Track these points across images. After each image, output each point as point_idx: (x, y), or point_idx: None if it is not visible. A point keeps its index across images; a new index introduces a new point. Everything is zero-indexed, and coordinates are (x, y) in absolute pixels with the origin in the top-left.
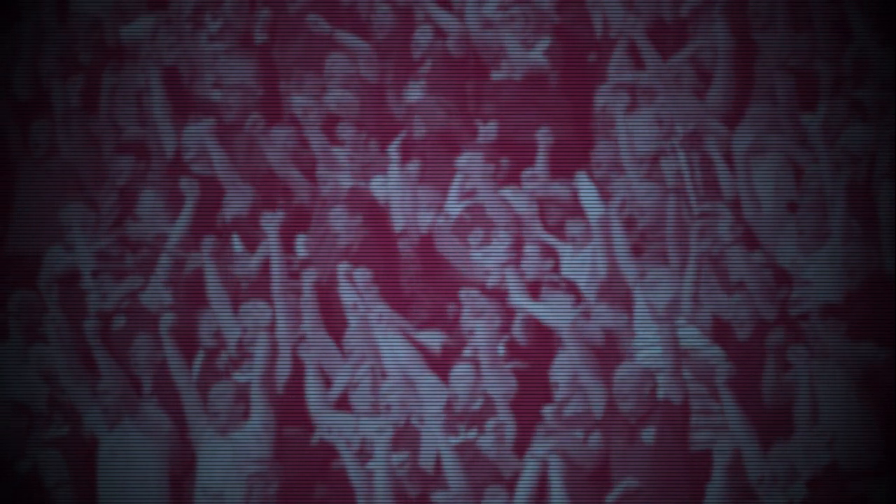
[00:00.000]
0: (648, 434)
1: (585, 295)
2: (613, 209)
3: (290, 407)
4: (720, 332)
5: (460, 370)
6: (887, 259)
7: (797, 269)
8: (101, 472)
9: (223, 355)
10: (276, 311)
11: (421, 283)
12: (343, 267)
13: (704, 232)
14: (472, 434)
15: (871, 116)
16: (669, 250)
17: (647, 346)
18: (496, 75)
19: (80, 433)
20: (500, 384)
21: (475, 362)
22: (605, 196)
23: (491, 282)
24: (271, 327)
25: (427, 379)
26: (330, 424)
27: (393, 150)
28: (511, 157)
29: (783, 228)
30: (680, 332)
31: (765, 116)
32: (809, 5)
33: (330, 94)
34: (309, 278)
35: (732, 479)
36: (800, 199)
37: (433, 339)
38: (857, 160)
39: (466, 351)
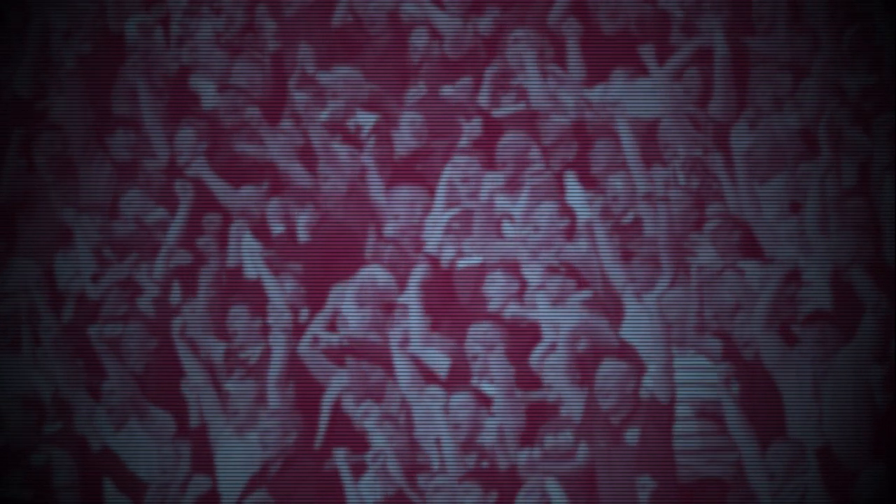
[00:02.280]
0: (632, 435)
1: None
2: (604, 209)
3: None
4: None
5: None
6: (888, 258)
7: (799, 270)
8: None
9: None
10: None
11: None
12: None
13: (703, 232)
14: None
15: (869, 116)
16: (663, 252)
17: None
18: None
19: (84, 437)
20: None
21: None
22: (598, 196)
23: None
24: (288, 329)
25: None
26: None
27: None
28: (506, 159)
29: (783, 229)
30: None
31: (763, 116)
32: (808, 6)
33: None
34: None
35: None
36: (800, 199)
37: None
38: (855, 160)
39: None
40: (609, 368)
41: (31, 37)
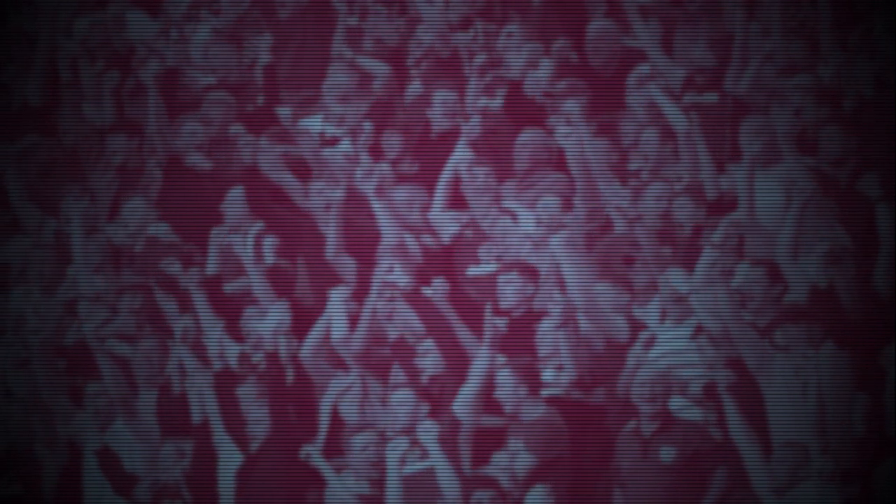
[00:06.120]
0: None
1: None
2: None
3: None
4: (721, 333)
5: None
6: (881, 259)
7: (791, 270)
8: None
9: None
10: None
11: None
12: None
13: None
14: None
15: (865, 119)
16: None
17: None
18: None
19: (78, 437)
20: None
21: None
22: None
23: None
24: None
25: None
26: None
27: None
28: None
29: (778, 230)
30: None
31: (760, 119)
32: (807, 9)
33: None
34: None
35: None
36: (797, 200)
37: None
38: (848, 161)
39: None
40: (647, 374)
41: (41, 45)
